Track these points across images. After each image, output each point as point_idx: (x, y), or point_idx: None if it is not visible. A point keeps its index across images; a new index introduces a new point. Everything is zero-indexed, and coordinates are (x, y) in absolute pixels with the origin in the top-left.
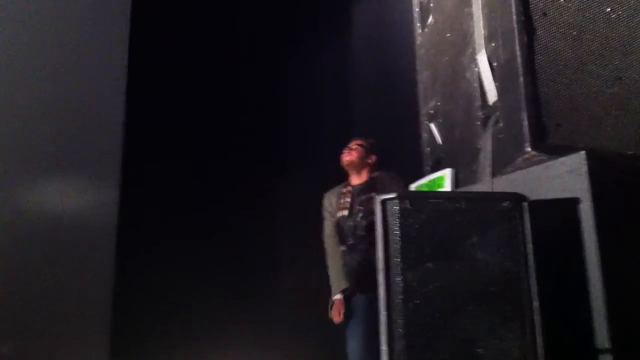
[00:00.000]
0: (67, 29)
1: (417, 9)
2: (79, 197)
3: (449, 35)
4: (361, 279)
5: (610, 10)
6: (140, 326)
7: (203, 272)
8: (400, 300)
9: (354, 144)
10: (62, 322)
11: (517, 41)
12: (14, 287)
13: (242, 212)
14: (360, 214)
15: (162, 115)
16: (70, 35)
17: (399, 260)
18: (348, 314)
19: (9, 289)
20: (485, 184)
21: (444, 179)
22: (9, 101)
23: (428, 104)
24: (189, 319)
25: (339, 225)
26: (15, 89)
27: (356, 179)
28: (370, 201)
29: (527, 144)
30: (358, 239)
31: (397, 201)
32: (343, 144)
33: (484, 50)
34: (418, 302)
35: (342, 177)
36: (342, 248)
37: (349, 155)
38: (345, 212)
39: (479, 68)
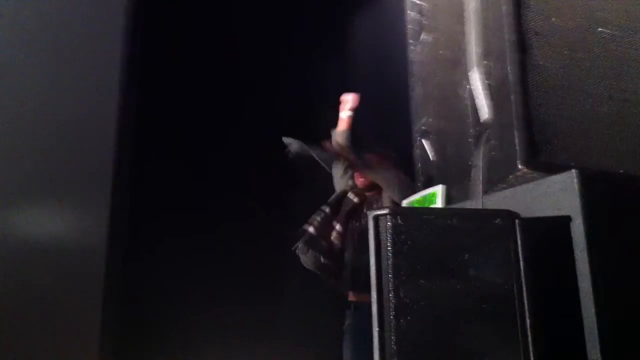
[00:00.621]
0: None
1: (410, 26)
2: (70, 204)
3: (442, 52)
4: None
5: (603, 29)
6: (139, 336)
7: (207, 275)
8: (393, 318)
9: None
10: (54, 335)
11: (509, 60)
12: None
13: (248, 215)
14: None
15: (162, 116)
16: (63, 44)
17: (391, 276)
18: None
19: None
20: (476, 201)
21: (436, 196)
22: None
23: (420, 120)
24: (193, 325)
25: None
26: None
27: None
28: None
29: (519, 162)
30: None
31: (389, 217)
32: None
33: (476, 68)
34: (410, 319)
35: None
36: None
37: (364, 181)
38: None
39: (471, 85)
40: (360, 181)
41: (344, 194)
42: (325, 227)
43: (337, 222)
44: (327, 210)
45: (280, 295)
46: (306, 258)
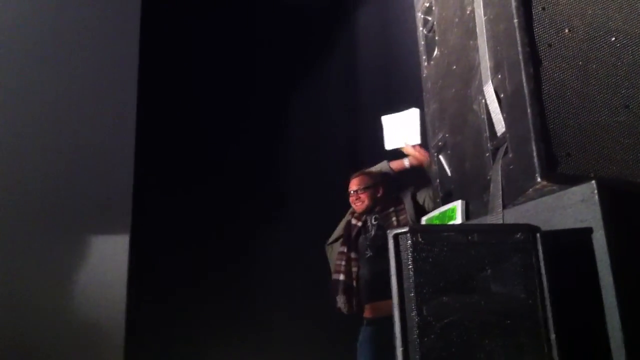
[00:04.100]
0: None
1: (422, 42)
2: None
3: (455, 67)
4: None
5: (615, 39)
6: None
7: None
8: (417, 336)
9: (359, 188)
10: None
11: (523, 72)
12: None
13: (248, 224)
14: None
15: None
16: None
17: (413, 295)
18: (359, 343)
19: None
20: (496, 216)
21: (456, 211)
22: None
23: (437, 136)
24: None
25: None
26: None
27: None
28: (387, 216)
29: (537, 175)
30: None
31: (409, 235)
32: (349, 171)
33: (490, 82)
34: (434, 336)
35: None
36: (352, 254)
37: (361, 205)
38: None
39: (486, 100)
40: (359, 209)
41: (348, 224)
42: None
43: (342, 245)
44: (346, 250)
45: (287, 314)
46: (344, 305)
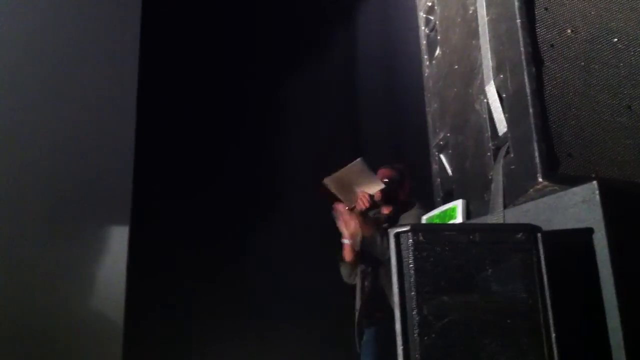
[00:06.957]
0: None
1: (424, 42)
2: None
3: (456, 67)
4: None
5: (618, 40)
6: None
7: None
8: (417, 335)
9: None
10: None
11: (525, 73)
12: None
13: (249, 219)
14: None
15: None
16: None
17: (414, 294)
18: (361, 346)
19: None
20: (497, 215)
21: (456, 210)
22: None
23: (438, 136)
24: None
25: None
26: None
27: (385, 209)
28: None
29: (538, 175)
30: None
31: (410, 234)
32: None
33: (492, 82)
34: (434, 335)
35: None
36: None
37: (387, 210)
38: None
39: (488, 99)
40: (385, 212)
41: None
42: None
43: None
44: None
45: (288, 312)
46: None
